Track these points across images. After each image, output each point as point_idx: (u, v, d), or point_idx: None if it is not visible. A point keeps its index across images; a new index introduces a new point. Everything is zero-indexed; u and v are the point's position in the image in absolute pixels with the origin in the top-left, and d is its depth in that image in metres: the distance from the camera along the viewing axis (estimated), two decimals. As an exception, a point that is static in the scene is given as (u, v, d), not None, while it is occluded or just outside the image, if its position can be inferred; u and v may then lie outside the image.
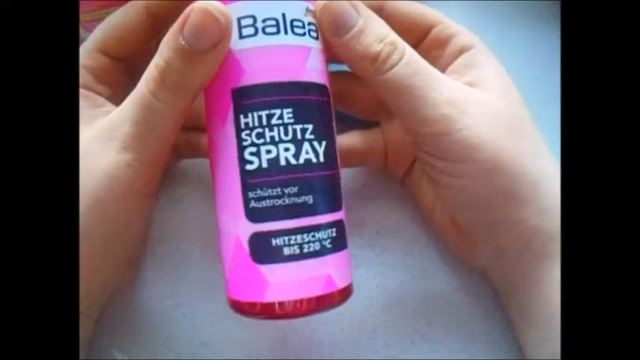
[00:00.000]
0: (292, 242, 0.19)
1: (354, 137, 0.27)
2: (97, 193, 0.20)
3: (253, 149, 0.19)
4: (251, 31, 0.20)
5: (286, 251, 0.19)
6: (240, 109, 0.20)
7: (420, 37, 0.25)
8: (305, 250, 0.19)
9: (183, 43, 0.19)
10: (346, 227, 0.21)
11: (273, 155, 0.19)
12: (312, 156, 0.20)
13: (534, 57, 0.31)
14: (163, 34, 0.20)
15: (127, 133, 0.20)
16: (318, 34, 0.21)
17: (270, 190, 0.19)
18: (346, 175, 0.30)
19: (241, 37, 0.20)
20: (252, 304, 0.20)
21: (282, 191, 0.19)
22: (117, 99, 0.22)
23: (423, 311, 0.26)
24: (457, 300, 0.27)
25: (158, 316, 0.26)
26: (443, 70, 0.24)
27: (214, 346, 0.26)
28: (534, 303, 0.23)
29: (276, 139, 0.19)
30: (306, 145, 0.20)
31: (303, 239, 0.19)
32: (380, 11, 0.23)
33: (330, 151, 0.20)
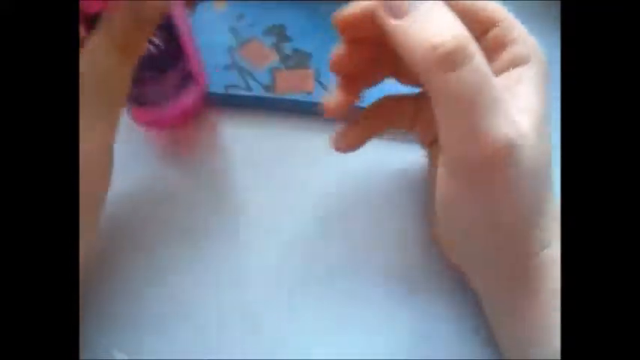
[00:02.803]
0: None
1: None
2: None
3: None
4: None
5: None
6: None
7: (479, 35, 0.22)
8: None
9: None
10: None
11: None
12: None
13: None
14: None
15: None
16: None
17: None
18: (347, 174, 0.30)
19: None
20: None
21: None
22: None
23: (422, 311, 0.26)
24: (457, 300, 0.27)
25: (158, 316, 0.26)
26: (496, 75, 0.22)
27: (214, 346, 0.26)
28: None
29: None
30: None
31: None
32: None
33: None
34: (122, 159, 0.25)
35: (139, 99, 0.27)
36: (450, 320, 0.26)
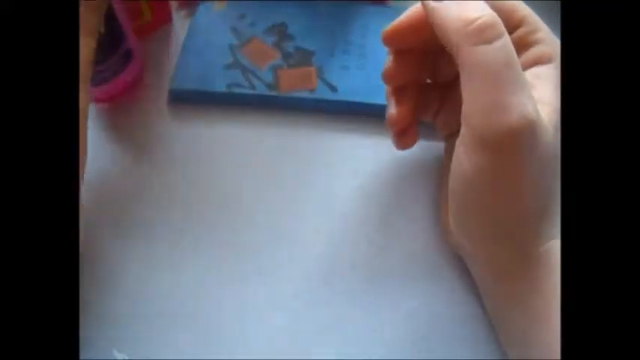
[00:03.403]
0: None
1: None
2: None
3: None
4: None
5: None
6: None
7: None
8: None
9: None
10: None
11: None
12: None
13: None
14: None
15: None
16: None
17: None
18: (346, 174, 0.30)
19: None
20: None
21: None
22: None
23: (422, 311, 0.26)
24: (457, 300, 0.27)
25: (158, 316, 0.26)
26: None
27: (214, 346, 0.26)
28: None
29: None
30: None
31: None
32: None
33: None
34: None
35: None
36: (450, 320, 0.26)
